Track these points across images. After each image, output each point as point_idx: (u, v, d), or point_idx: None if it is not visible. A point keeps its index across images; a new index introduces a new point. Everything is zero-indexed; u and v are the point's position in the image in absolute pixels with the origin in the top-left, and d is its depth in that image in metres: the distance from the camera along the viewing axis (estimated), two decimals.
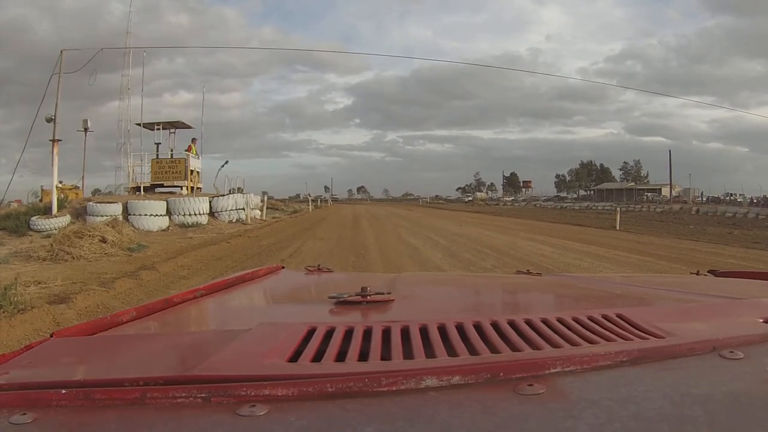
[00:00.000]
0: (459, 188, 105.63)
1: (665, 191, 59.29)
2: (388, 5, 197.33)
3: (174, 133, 21.51)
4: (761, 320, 0.69)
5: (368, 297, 0.90)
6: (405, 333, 0.63)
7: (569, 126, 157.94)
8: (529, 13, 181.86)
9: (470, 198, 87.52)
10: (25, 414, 0.44)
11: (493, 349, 0.57)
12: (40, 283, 6.53)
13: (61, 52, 16.27)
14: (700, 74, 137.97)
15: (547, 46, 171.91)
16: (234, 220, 17.20)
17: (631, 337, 0.61)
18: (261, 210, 20.63)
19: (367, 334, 0.64)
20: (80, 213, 15.33)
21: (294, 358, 0.56)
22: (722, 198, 47.68)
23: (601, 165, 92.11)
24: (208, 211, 16.69)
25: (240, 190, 20.03)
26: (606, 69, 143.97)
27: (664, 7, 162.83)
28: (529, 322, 0.66)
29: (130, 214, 14.99)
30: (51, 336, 0.75)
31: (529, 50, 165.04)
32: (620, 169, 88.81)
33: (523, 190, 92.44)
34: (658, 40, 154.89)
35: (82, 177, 21.58)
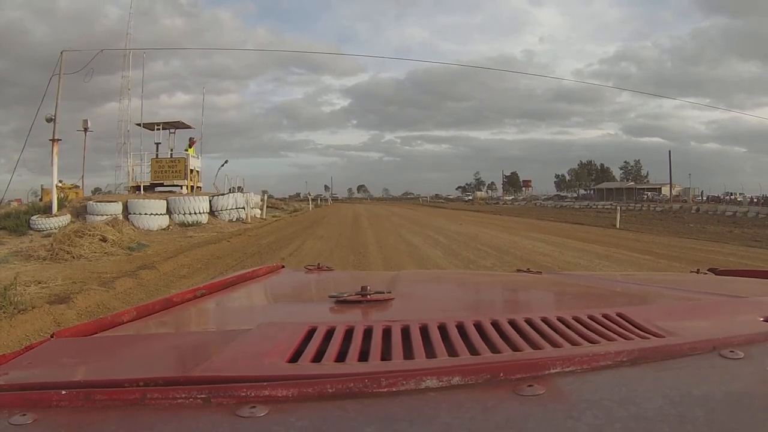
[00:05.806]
0: (459, 187, 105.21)
1: (665, 190, 59.10)
2: (383, 7, 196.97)
3: (174, 133, 21.57)
4: (762, 319, 0.69)
5: (368, 296, 0.90)
6: (405, 333, 0.63)
7: (566, 127, 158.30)
8: (524, 15, 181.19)
9: (470, 197, 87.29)
10: (25, 415, 0.44)
11: (494, 349, 0.57)
12: (40, 283, 6.54)
13: (62, 52, 16.32)
14: (696, 76, 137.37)
15: (541, 47, 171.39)
16: (234, 219, 17.21)
17: (632, 336, 0.61)
18: (261, 209, 20.63)
19: (368, 333, 0.64)
20: (80, 212, 15.34)
21: (294, 358, 0.56)
22: (722, 197, 47.56)
23: (602, 165, 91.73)
24: (208, 210, 16.70)
25: (240, 189, 20.05)
26: (601, 71, 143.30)
27: (657, 8, 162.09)
28: (529, 322, 0.66)
29: (130, 213, 14.99)
30: (51, 336, 0.75)
31: (524, 52, 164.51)
32: (621, 169, 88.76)
33: (523, 189, 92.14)
34: (652, 41, 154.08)
35: (82, 176, 21.62)
